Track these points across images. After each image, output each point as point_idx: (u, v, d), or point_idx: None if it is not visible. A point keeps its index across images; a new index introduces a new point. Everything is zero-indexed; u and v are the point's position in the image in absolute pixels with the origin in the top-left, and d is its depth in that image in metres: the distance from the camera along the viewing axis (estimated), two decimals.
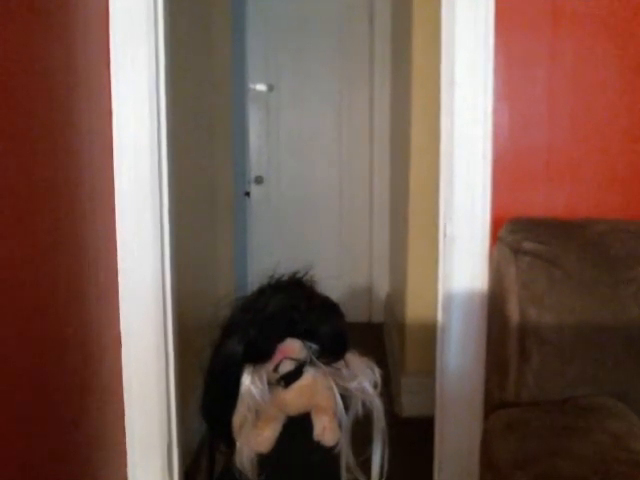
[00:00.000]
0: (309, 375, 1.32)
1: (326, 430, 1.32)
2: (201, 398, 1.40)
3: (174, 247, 1.76)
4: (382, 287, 3.88)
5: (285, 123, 3.86)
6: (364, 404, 1.34)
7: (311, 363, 1.33)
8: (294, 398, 1.32)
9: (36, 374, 1.24)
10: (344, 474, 1.35)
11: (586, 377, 1.37)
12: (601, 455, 1.13)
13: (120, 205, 1.64)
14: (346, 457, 1.33)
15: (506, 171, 1.62)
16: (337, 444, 1.32)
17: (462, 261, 1.62)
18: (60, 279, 1.36)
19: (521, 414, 1.33)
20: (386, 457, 1.36)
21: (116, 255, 1.64)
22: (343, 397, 1.35)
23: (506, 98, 1.61)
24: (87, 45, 1.51)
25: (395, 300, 3.25)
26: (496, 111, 1.60)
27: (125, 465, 1.70)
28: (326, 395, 1.34)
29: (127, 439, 1.70)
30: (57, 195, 1.35)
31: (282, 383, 1.31)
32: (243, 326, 1.32)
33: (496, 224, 1.59)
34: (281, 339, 1.33)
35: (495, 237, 1.58)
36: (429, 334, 1.84)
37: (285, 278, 1.40)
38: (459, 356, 1.64)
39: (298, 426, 1.33)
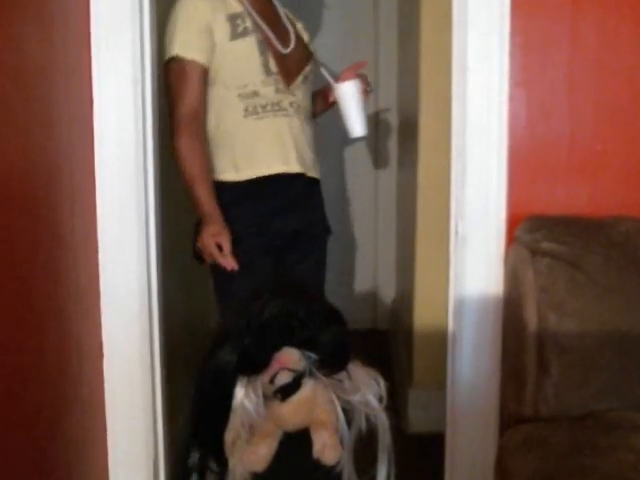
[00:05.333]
0: (308, 387, 1.32)
1: (326, 447, 1.31)
2: (190, 412, 1.40)
3: (161, 247, 1.76)
4: (388, 291, 3.88)
5: None
6: (368, 419, 1.34)
7: (310, 374, 1.32)
8: (292, 412, 1.32)
9: (9, 386, 1.24)
10: None
11: (610, 389, 1.37)
12: (627, 475, 1.13)
13: (102, 201, 1.63)
14: (348, 477, 1.33)
15: (523, 165, 1.62)
16: (338, 462, 1.32)
17: (475, 263, 1.62)
18: (36, 282, 1.36)
19: (539, 430, 1.33)
20: (392, 477, 1.36)
21: (97, 257, 1.64)
22: (345, 411, 1.34)
23: (523, 85, 1.61)
24: (66, 26, 1.51)
25: (402, 305, 3.25)
26: (512, 99, 1.60)
27: None
28: (326, 409, 1.33)
29: (110, 456, 1.70)
30: (33, 191, 1.35)
31: (279, 396, 1.31)
32: (237, 334, 1.32)
33: (512, 223, 1.59)
34: (278, 348, 1.32)
35: (511, 237, 1.58)
36: (439, 343, 1.84)
37: (283, 282, 1.40)
38: (472, 367, 1.64)
39: (296, 443, 1.33)
